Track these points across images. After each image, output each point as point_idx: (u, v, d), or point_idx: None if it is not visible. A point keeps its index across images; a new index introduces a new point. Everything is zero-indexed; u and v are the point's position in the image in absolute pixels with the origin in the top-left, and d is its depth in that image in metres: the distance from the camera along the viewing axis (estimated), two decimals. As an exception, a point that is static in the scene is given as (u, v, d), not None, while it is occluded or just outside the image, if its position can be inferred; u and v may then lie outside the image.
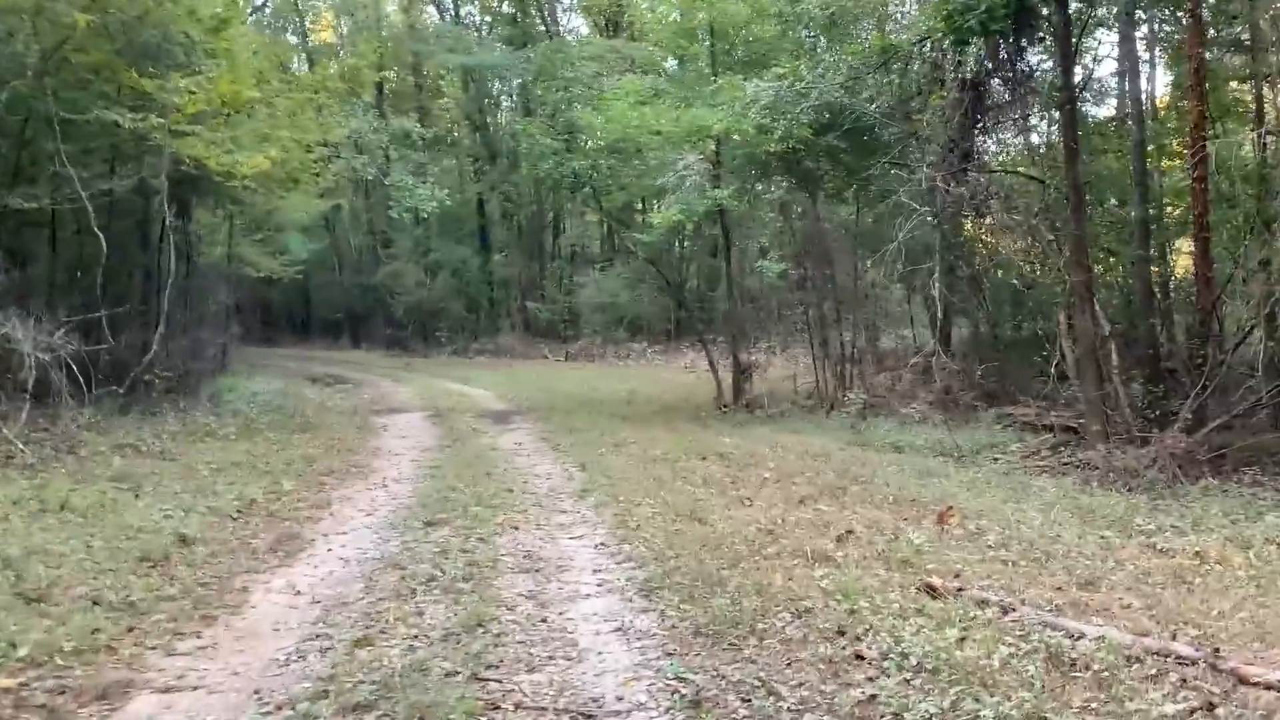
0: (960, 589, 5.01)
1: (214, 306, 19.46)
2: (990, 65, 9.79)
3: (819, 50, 14.25)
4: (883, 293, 19.27)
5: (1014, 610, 4.66)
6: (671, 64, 20.23)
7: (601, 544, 6.23)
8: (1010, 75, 9.86)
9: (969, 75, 9.76)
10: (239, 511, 7.17)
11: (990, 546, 6.11)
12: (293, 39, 34.48)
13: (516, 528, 6.74)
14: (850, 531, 6.17)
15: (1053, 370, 12.58)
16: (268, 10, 31.57)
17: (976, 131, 9.84)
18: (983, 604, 4.75)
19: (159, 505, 6.96)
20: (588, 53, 22.39)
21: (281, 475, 9.03)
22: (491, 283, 33.81)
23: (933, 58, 10.64)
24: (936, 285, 10.77)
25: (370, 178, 21.52)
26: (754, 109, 13.01)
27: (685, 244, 29.51)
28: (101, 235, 11.19)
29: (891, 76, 12.45)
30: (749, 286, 24.57)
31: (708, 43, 15.21)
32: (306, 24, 36.00)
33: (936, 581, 5.09)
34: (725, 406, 15.38)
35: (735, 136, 14.04)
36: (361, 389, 20.62)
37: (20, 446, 8.26)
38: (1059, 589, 5.19)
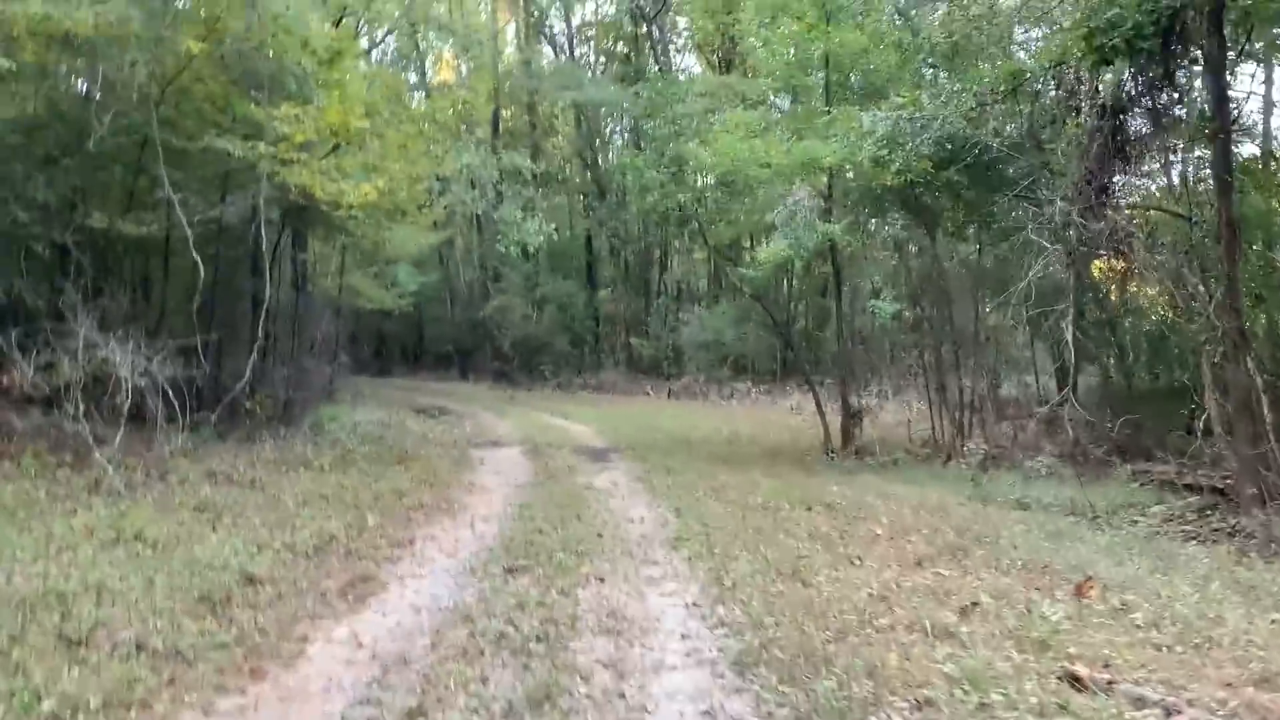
0: (1110, 681, 4.27)
1: (322, 335, 19.68)
2: (1133, 91, 8.96)
3: (940, 80, 13.51)
4: (1004, 337, 18.26)
5: (1179, 714, 3.91)
6: (783, 101, 19.75)
7: (693, 604, 5.66)
8: (1154, 103, 9.00)
9: (1109, 102, 8.93)
10: (315, 549, 6.85)
11: (1139, 627, 5.30)
12: (412, 77, 35.31)
13: (602, 579, 6.23)
14: (976, 603, 5.45)
15: (1197, 425, 11.51)
16: (389, 52, 32.45)
17: (1116, 163, 8.99)
18: (1139, 702, 4.01)
19: (234, 539, 6.69)
20: (698, 89, 22.09)
21: (368, 509, 8.74)
22: (597, 318, 33.71)
23: (1069, 83, 9.85)
24: (1068, 329, 9.87)
25: (480, 212, 21.59)
26: (870, 140, 12.39)
27: (793, 283, 28.86)
28: (200, 261, 11.20)
29: (1020, 105, 11.67)
30: (859, 327, 23.78)
31: (822, 75, 14.67)
32: (427, 64, 36.81)
33: (1081, 670, 4.35)
34: (833, 452, 14.62)
35: (849, 170, 13.46)
36: (464, 421, 20.52)
37: (110, 471, 8.15)
38: (1229, 685, 4.39)
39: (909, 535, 8.05)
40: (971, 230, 15.63)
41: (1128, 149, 8.95)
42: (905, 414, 17.41)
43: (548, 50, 35.76)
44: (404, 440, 15.26)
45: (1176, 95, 9.05)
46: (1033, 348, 19.14)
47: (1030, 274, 10.05)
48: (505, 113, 36.81)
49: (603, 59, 34.31)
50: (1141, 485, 11.23)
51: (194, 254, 10.97)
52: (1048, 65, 10.05)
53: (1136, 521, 9.12)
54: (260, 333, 12.14)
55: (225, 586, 5.38)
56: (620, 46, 33.88)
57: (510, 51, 36.49)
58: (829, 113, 13.90)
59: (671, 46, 31.48)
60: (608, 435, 17.70)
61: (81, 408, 8.71)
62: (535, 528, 8.14)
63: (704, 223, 15.47)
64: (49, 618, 4.41)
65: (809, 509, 9.62)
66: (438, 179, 20.45)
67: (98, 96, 11.87)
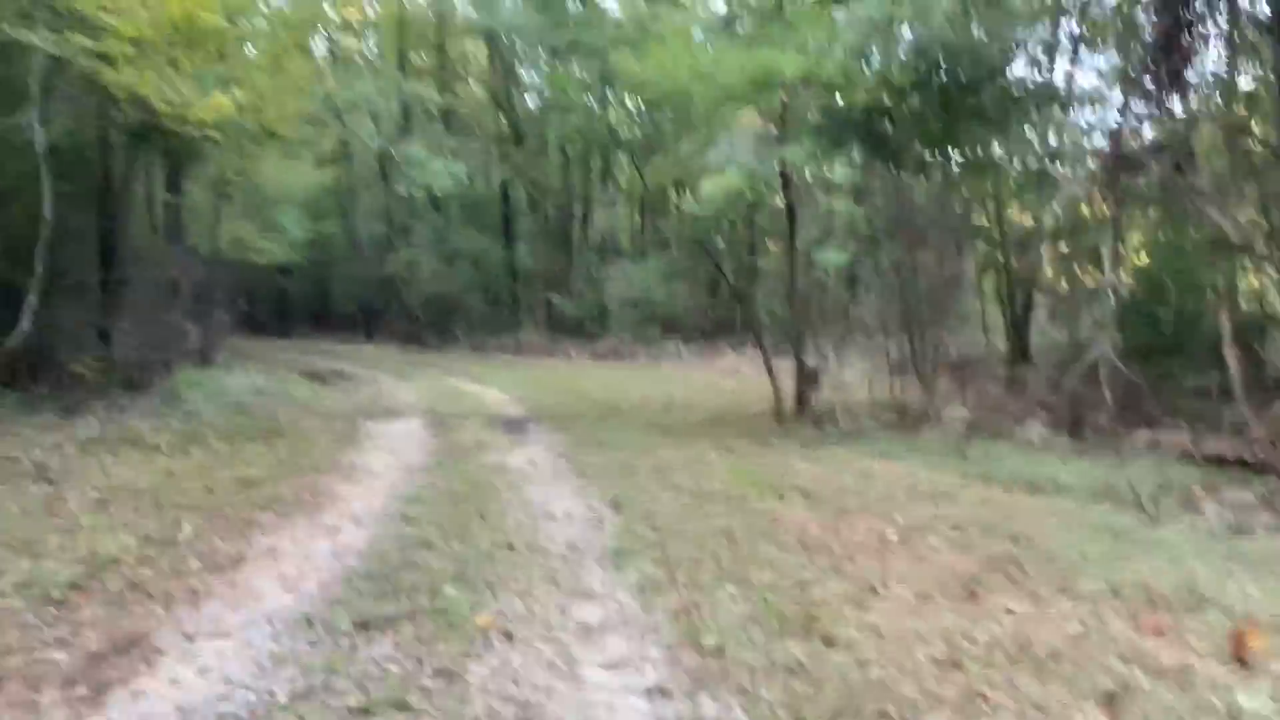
0: None
1: (193, 288, 16.83)
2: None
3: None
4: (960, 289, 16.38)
5: None
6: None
7: (659, 689, 3.47)
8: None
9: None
10: (73, 586, 4.48)
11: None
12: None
13: (509, 635, 4.01)
14: (1125, 685, 3.35)
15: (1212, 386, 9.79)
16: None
17: (1177, 57, 6.99)
18: None
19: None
20: (627, 15, 19.65)
21: (192, 511, 6.36)
22: (514, 274, 31.11)
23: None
24: (1108, 268, 7.90)
25: (379, 148, 18.88)
26: (839, 48, 10.24)
27: (724, 235, 26.73)
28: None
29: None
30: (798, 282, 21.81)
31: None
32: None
33: None
34: (785, 419, 12.59)
35: (809, 89, 11.31)
36: (362, 387, 18.01)
37: None
38: None
39: (927, 538, 6.00)
40: (937, 167, 13.70)
41: (1188, 36, 6.94)
42: (858, 375, 15.54)
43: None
44: (280, 411, 12.75)
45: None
46: (984, 301, 17.42)
47: (1057, 205, 7.97)
48: (413, 55, 33.80)
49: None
50: (1160, 459, 9.44)
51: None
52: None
53: (1199, 511, 7.23)
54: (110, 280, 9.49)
55: None
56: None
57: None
58: (782, 11, 11.69)
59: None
60: (526, 402, 15.43)
61: None
62: (422, 536, 5.87)
63: (637, 152, 13.16)
64: None
65: (781, 497, 7.54)
66: (325, 110, 17.72)
67: None
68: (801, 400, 12.77)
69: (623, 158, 27.30)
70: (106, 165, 13.93)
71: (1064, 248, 12.00)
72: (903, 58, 10.31)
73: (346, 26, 34.89)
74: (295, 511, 6.94)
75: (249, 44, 12.19)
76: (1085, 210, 8.28)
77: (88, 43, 9.47)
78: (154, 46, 10.11)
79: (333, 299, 40.92)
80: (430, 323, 30.34)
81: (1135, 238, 10.70)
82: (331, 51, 27.54)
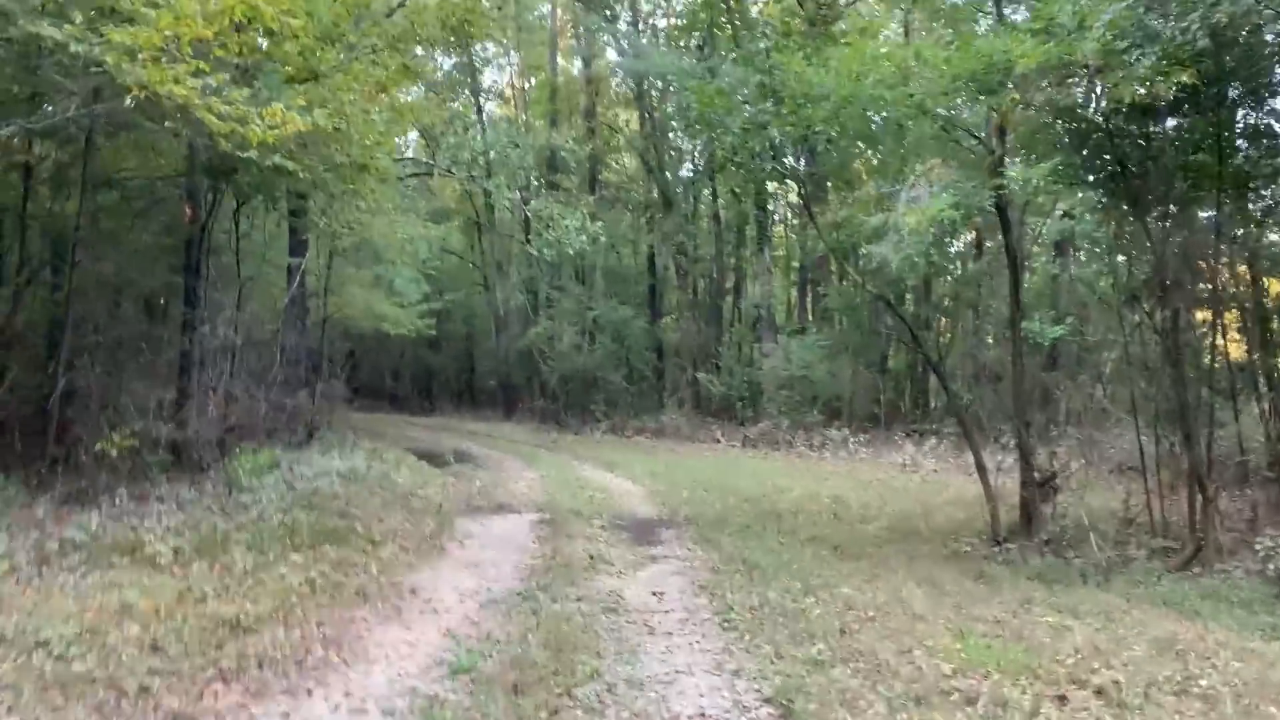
0: None
1: (288, 357, 14.96)
2: None
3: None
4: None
5: None
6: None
7: None
8: None
9: None
10: None
11: None
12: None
13: None
14: None
15: None
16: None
17: None
18: None
19: None
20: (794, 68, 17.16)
21: (94, 689, 3.88)
22: (659, 350, 28.59)
23: None
24: None
25: (510, 203, 16.90)
26: (1099, 24, 7.27)
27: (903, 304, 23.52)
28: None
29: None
30: (984, 362, 18.41)
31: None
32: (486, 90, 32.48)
33: None
34: (1003, 540, 9.30)
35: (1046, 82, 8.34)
36: (480, 471, 15.70)
37: None
38: None
39: None
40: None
41: None
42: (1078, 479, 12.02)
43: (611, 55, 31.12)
44: (364, 502, 10.39)
45: None
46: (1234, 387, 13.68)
47: None
48: (564, 124, 32.35)
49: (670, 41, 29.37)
50: None
51: None
52: None
53: None
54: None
55: None
56: (692, 40, 28.99)
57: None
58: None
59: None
60: (662, 498, 12.65)
61: None
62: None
63: (805, 179, 10.44)
64: None
65: (1063, 699, 4.48)
66: (456, 162, 15.86)
67: None
68: (1029, 513, 9.48)
69: (780, 222, 24.64)
70: (198, 212, 12.22)
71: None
72: (1199, 39, 7.25)
73: (503, 100, 34.27)
74: (275, 685, 4.40)
75: (349, 74, 10.06)
76: None
77: (117, 37, 7.49)
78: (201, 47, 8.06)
79: (478, 375, 39.46)
80: (568, 401, 28.10)
81: None
82: (480, 110, 26.35)
